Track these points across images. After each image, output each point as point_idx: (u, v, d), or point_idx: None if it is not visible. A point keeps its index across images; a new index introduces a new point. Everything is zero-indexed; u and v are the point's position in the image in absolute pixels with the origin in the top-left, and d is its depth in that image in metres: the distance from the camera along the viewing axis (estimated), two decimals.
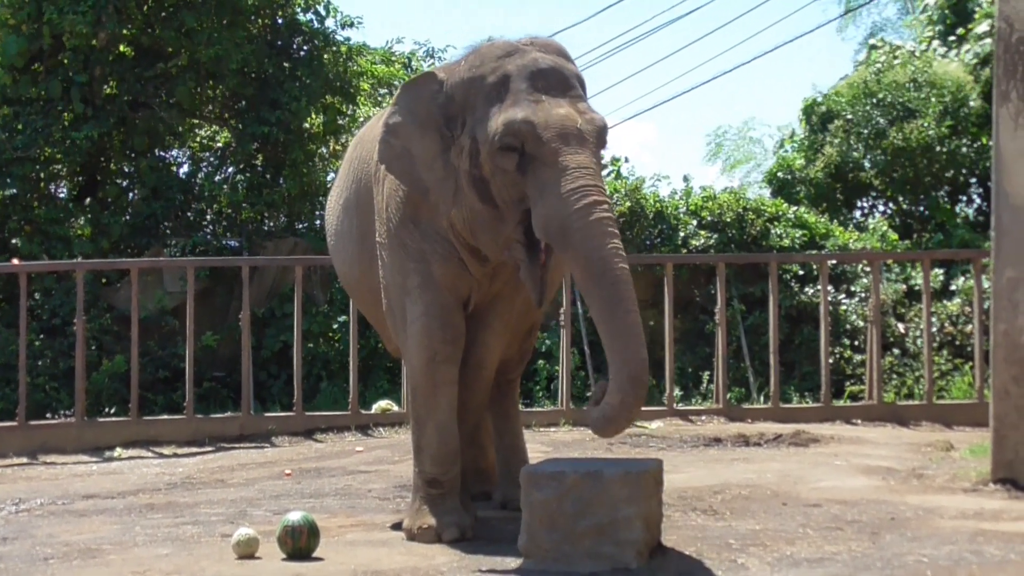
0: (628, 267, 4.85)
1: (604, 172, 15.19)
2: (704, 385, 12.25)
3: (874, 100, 15.53)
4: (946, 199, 15.97)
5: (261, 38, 14.01)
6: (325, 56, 14.25)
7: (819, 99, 16.76)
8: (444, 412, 5.55)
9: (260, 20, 14.13)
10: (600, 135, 5.07)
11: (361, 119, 14.46)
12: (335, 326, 12.69)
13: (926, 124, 14.92)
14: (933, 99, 15.21)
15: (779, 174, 16.61)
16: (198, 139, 14.90)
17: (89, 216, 13.24)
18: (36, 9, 12.83)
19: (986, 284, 9.93)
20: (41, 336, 12.23)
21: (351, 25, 14.78)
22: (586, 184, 4.87)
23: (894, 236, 14.42)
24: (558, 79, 5.12)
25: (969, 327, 12.09)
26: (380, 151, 5.56)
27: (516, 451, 6.53)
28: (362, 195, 6.07)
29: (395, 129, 5.48)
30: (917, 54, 16.80)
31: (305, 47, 14.33)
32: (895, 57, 16.84)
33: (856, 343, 12.77)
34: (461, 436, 5.69)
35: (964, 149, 15.14)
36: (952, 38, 17.03)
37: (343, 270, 6.67)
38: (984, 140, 14.74)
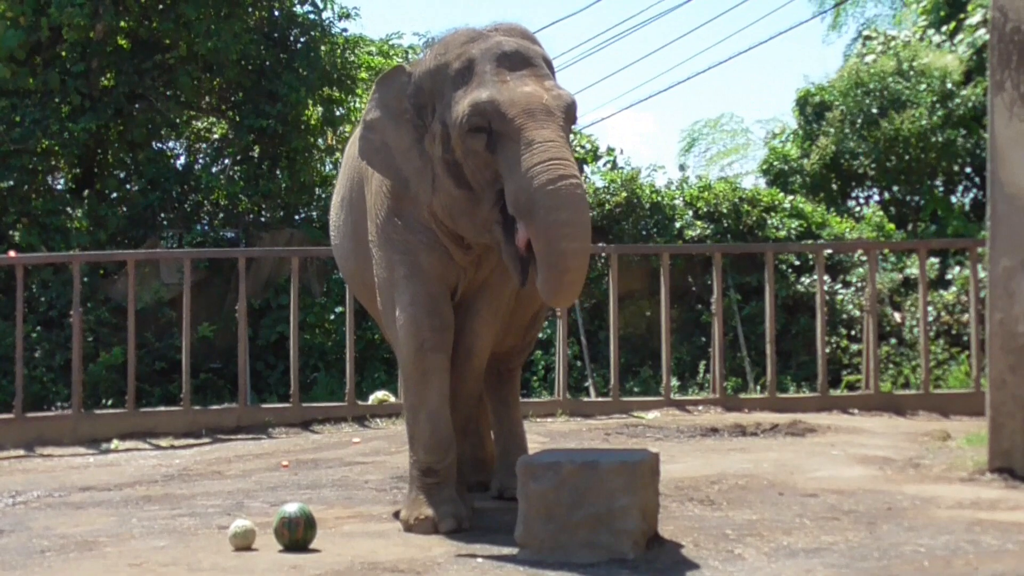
0: (585, 245, 4.93)
1: (602, 163, 15.32)
2: (701, 375, 12.27)
3: (863, 90, 15.53)
4: (941, 189, 15.98)
5: (258, 30, 14.00)
6: (322, 48, 14.24)
7: (812, 90, 16.75)
8: (435, 400, 5.55)
9: (257, 12, 14.12)
10: (568, 110, 5.11)
11: (359, 111, 14.44)
12: (331, 317, 12.68)
13: (918, 114, 14.91)
14: (924, 89, 15.21)
15: (775, 163, 16.61)
16: (195, 130, 14.88)
17: (87, 208, 13.23)
18: (36, 2, 12.82)
19: (982, 273, 9.93)
20: (38, 328, 12.22)
21: (348, 17, 14.79)
22: (552, 157, 4.90)
23: (890, 226, 14.43)
24: (522, 59, 5.17)
25: (965, 316, 12.10)
26: (360, 147, 5.65)
27: (515, 440, 6.53)
28: (355, 192, 6.11)
29: (372, 124, 5.57)
30: (911, 44, 16.80)
31: (302, 39, 14.31)
32: (888, 48, 16.84)
33: (852, 333, 12.79)
34: (454, 425, 5.69)
35: (958, 139, 15.14)
36: (946, 28, 17.02)
37: (342, 264, 6.73)
38: (978, 130, 14.74)
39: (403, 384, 5.82)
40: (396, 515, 5.72)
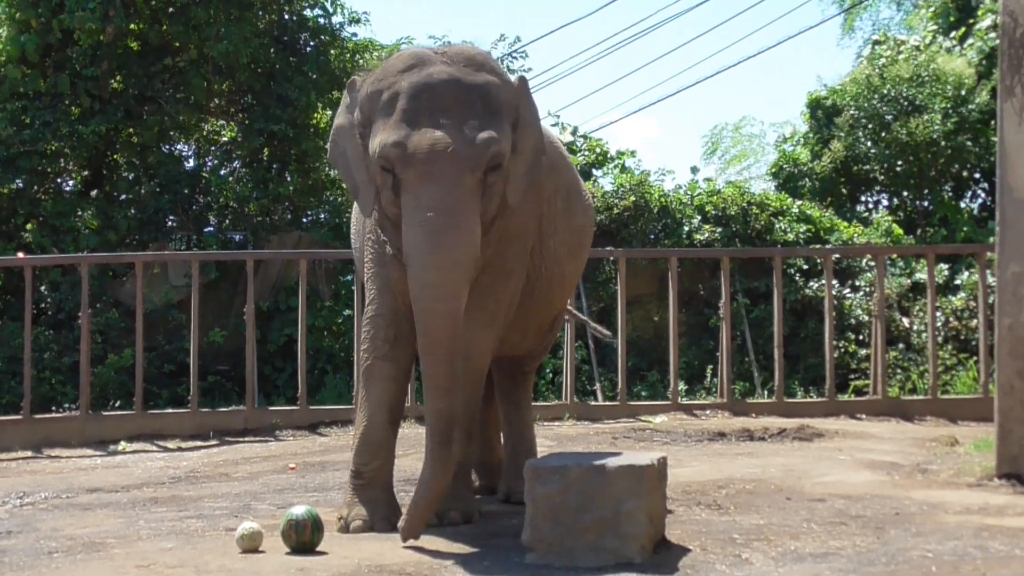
0: (449, 307, 4.96)
1: (612, 165, 15.36)
2: (708, 379, 12.26)
3: (878, 95, 15.52)
4: (950, 194, 15.96)
5: (268, 33, 14.03)
6: (332, 52, 14.28)
7: (824, 93, 16.76)
8: (373, 405, 5.65)
9: (267, 15, 14.16)
10: (475, 156, 5.02)
11: None
12: (340, 320, 12.70)
13: (931, 119, 14.90)
14: (938, 94, 15.21)
15: (784, 167, 16.62)
16: (204, 133, 14.91)
17: (96, 210, 13.26)
18: (48, 5, 12.86)
19: (991, 278, 9.92)
20: (47, 330, 12.24)
21: (358, 21, 14.84)
22: (431, 216, 4.93)
23: (899, 231, 14.43)
24: (448, 96, 5.09)
25: (974, 322, 12.08)
26: (328, 150, 5.74)
27: (524, 443, 6.54)
28: None
29: (335, 129, 5.65)
30: (921, 48, 16.79)
31: (312, 43, 14.36)
32: (899, 52, 16.84)
33: (860, 337, 12.77)
34: (452, 430, 5.69)
35: (969, 144, 15.13)
36: (956, 33, 17.01)
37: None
38: (989, 135, 14.72)
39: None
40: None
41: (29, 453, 9.42)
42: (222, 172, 14.46)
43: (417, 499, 5.11)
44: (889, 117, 15.31)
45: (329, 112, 14.28)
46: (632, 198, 13.37)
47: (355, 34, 14.98)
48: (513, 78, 5.55)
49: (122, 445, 9.62)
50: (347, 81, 5.69)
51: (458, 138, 5.00)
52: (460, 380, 5.21)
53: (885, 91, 15.50)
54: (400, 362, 5.70)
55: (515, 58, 16.94)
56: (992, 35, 15.44)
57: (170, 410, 10.82)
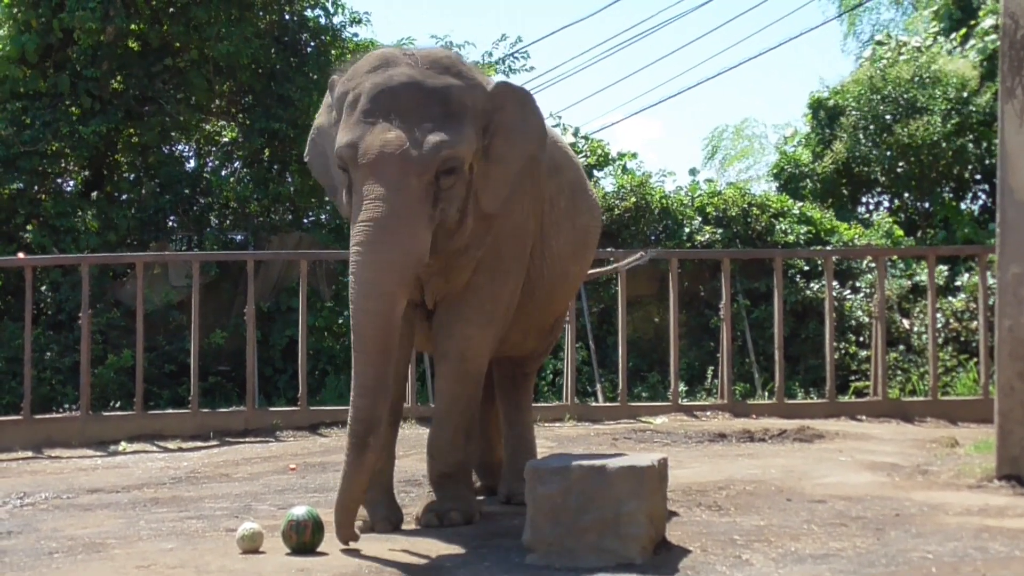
0: (379, 306, 4.95)
1: (613, 166, 15.37)
2: (709, 381, 12.26)
3: (880, 96, 15.52)
4: (951, 195, 15.96)
5: (269, 34, 14.04)
6: (333, 52, 14.27)
7: (825, 95, 16.76)
8: None
9: (268, 16, 14.16)
10: (422, 159, 5.02)
11: None
12: (340, 321, 12.70)
13: (933, 121, 14.90)
14: (939, 96, 15.20)
15: (786, 168, 16.62)
16: (205, 134, 14.91)
17: (97, 210, 13.26)
18: (48, 5, 12.86)
19: (991, 280, 9.92)
20: (47, 330, 12.25)
21: (359, 21, 14.83)
22: (370, 218, 4.95)
23: (899, 232, 14.43)
24: (406, 98, 5.12)
25: (974, 323, 12.08)
26: (307, 150, 5.80)
27: (524, 445, 6.53)
28: None
29: (315, 129, 5.74)
30: (923, 50, 16.79)
31: (313, 43, 14.35)
32: (900, 53, 16.83)
33: (861, 339, 12.77)
34: (449, 432, 5.69)
35: (970, 146, 15.13)
36: (957, 34, 17.00)
37: None
38: (990, 136, 14.72)
39: None
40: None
41: (29, 453, 9.42)
42: (223, 172, 14.47)
43: (336, 504, 5.10)
44: (890, 118, 15.31)
45: None
46: (633, 199, 13.37)
47: (356, 34, 14.98)
48: (494, 84, 5.52)
49: (122, 445, 9.62)
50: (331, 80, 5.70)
51: (408, 140, 5.01)
52: (390, 385, 5.14)
53: (886, 92, 15.50)
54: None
55: (517, 59, 16.88)
56: (993, 36, 15.43)
57: (171, 411, 10.82)
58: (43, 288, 12.54)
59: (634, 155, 15.79)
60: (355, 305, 4.98)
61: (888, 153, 15.25)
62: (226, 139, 14.89)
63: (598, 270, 8.36)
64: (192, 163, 14.77)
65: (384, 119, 5.06)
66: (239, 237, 13.74)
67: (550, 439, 8.92)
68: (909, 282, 13.26)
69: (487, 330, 5.69)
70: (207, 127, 14.91)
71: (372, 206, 4.96)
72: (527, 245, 5.85)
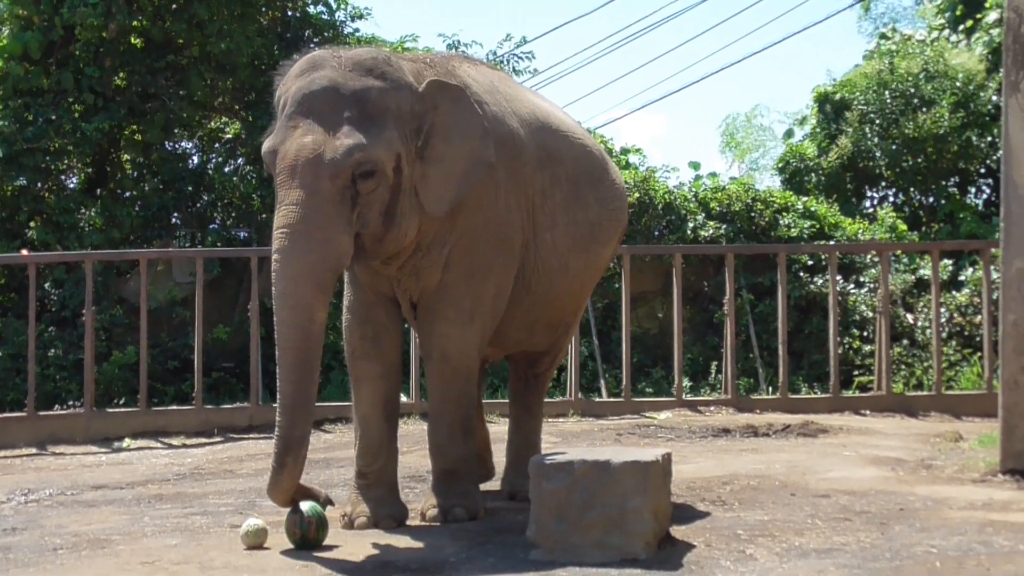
0: (294, 317, 4.92)
1: (615, 160, 15.36)
2: (713, 375, 12.26)
3: (887, 90, 15.51)
4: (956, 190, 15.94)
5: (271, 30, 14.03)
6: None
7: (831, 88, 16.74)
8: (365, 406, 5.69)
9: (270, 12, 14.16)
10: (335, 164, 4.96)
11: None
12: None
13: (939, 114, 14.89)
14: (946, 89, 15.18)
15: (791, 162, 16.61)
16: (208, 130, 14.90)
17: (100, 207, 13.26)
18: (50, 2, 12.86)
19: (995, 274, 9.91)
20: (51, 327, 12.25)
21: (361, 17, 14.84)
22: (284, 225, 4.94)
23: (903, 227, 14.42)
24: (323, 101, 5.07)
25: (978, 317, 12.07)
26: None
27: (529, 445, 6.52)
28: None
29: (267, 133, 5.69)
30: (928, 43, 16.77)
31: (315, 39, 14.34)
32: (906, 47, 16.82)
33: (865, 333, 12.76)
34: (445, 429, 5.69)
35: (975, 140, 15.11)
36: (963, 27, 16.99)
37: None
38: (995, 130, 14.71)
39: None
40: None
41: (34, 450, 9.43)
42: (226, 169, 14.44)
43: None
44: (896, 112, 15.30)
45: None
46: (636, 195, 13.36)
47: (358, 30, 14.97)
48: (425, 83, 5.37)
49: (127, 442, 9.62)
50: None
51: (321, 145, 4.98)
52: (311, 401, 5.08)
53: (893, 86, 15.48)
54: (384, 356, 5.74)
55: (520, 58, 16.81)
56: (998, 29, 15.41)
57: (175, 407, 10.82)
58: (47, 285, 12.55)
59: (638, 150, 15.83)
60: (276, 316, 4.96)
61: (894, 147, 15.23)
62: (229, 135, 14.89)
63: None
64: (195, 160, 14.76)
65: (303, 123, 5.04)
66: (243, 234, 13.74)
67: (554, 434, 8.92)
68: (913, 276, 13.24)
69: (468, 327, 5.63)
70: (210, 124, 14.90)
71: (287, 211, 4.95)
72: (511, 239, 5.76)
